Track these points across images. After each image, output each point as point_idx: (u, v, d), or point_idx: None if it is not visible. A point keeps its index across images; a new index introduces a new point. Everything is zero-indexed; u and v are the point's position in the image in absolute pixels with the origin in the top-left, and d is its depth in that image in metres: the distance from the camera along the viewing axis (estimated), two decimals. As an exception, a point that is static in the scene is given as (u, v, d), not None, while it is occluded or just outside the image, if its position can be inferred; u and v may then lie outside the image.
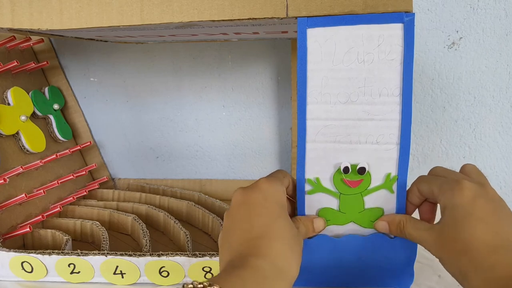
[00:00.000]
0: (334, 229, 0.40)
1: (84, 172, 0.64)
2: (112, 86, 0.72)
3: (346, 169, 0.38)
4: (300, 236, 0.35)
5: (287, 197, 0.38)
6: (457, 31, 0.62)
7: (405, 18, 0.35)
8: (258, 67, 0.69)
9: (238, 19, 0.36)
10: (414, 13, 0.35)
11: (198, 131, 0.73)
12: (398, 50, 0.36)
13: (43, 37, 0.62)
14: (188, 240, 0.48)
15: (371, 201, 0.39)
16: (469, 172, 0.37)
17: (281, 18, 0.36)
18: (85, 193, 0.62)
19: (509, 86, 0.64)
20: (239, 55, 0.69)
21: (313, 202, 0.39)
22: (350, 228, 0.40)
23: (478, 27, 0.62)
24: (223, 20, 0.36)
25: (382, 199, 0.39)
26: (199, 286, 0.25)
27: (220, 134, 0.73)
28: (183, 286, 0.26)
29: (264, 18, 0.36)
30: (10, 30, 0.40)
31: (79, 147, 0.66)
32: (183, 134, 0.73)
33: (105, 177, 0.69)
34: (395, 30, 0.35)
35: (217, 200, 0.61)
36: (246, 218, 0.33)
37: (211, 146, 0.73)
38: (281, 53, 0.69)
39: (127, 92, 0.72)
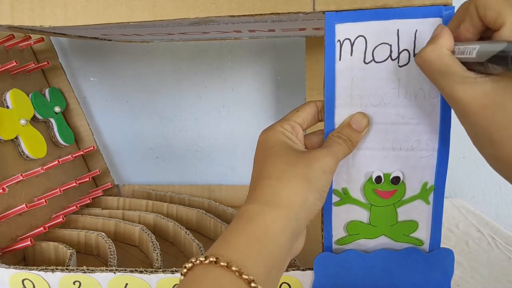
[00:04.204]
0: (364, 243, 0.36)
1: (87, 179, 0.61)
2: (112, 86, 0.72)
3: (378, 179, 0.35)
4: (304, 167, 0.30)
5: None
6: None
7: (444, 11, 0.32)
8: (258, 67, 0.69)
9: (260, 14, 0.33)
10: (453, 6, 0.32)
11: (198, 131, 0.73)
12: (436, 47, 0.32)
13: (43, 36, 0.59)
14: (202, 254, 0.44)
15: (404, 213, 0.36)
16: None
17: (307, 13, 0.33)
18: (88, 201, 0.59)
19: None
20: (239, 55, 0.69)
21: (341, 214, 0.36)
22: (381, 242, 0.36)
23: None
24: (243, 16, 0.33)
25: (416, 211, 0.35)
26: (196, 262, 0.26)
27: (220, 134, 0.73)
28: (185, 267, 0.26)
29: (289, 13, 0.33)
30: (10, 27, 0.37)
31: (82, 152, 0.62)
32: (183, 134, 0.73)
33: (109, 183, 0.66)
34: (433, 25, 0.32)
35: (229, 207, 0.58)
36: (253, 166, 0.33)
37: (211, 146, 0.73)
38: (280, 53, 0.69)
39: (127, 92, 0.72)
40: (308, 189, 0.29)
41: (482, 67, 0.25)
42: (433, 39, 0.28)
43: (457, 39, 0.28)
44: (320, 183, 0.30)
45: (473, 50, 0.26)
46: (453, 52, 0.27)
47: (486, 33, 0.28)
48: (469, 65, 0.27)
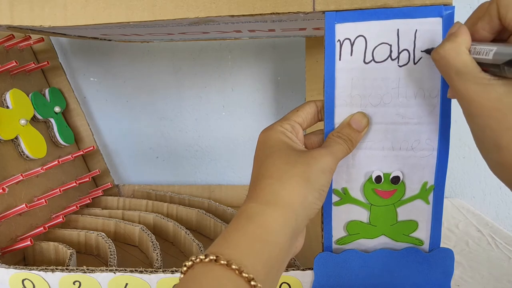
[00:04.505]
0: (364, 243, 0.36)
1: (87, 179, 0.61)
2: (112, 86, 0.72)
3: (378, 179, 0.35)
4: (304, 167, 0.30)
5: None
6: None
7: (444, 11, 0.32)
8: (258, 67, 0.69)
9: (260, 14, 0.33)
10: (454, 6, 0.32)
11: (198, 131, 0.73)
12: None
13: (43, 36, 0.59)
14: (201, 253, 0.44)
15: (404, 213, 0.36)
16: None
17: (307, 13, 0.33)
18: (88, 201, 0.59)
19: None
20: (239, 55, 0.69)
21: (341, 214, 0.36)
22: (381, 242, 0.36)
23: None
24: (243, 16, 0.33)
25: (416, 211, 0.35)
26: (196, 260, 0.26)
27: (220, 134, 0.72)
28: (185, 265, 0.26)
29: (289, 13, 0.33)
30: (9, 27, 0.37)
31: (82, 152, 0.62)
32: (183, 134, 0.73)
33: (109, 183, 0.66)
34: (433, 24, 0.32)
35: (229, 207, 0.58)
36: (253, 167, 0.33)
37: (211, 146, 0.73)
38: (281, 53, 0.68)
39: (127, 92, 0.72)
40: (308, 188, 0.29)
41: (497, 69, 0.25)
42: (452, 36, 0.28)
43: (472, 37, 0.28)
44: (320, 183, 0.30)
45: (490, 51, 0.26)
46: (469, 51, 0.27)
47: (501, 35, 0.28)
48: (483, 66, 0.26)
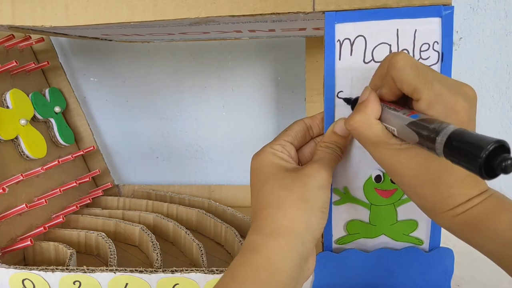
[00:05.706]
0: (364, 243, 0.36)
1: (87, 179, 0.61)
2: (112, 86, 0.72)
3: (378, 178, 0.35)
4: (300, 187, 0.30)
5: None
6: (457, 31, 0.62)
7: (444, 11, 0.32)
8: (258, 67, 0.69)
9: (260, 14, 0.33)
10: (453, 6, 0.32)
11: (198, 131, 0.73)
12: (435, 46, 0.33)
13: (43, 36, 0.59)
14: (202, 254, 0.44)
15: (404, 212, 0.36)
16: None
17: (307, 13, 0.33)
18: (88, 201, 0.59)
19: (509, 86, 0.64)
20: (239, 55, 0.69)
21: (341, 214, 0.36)
22: (381, 241, 0.36)
23: (478, 27, 0.62)
24: (243, 16, 0.33)
25: (416, 210, 0.35)
26: None
27: (220, 134, 0.72)
28: None
29: (289, 13, 0.33)
30: (11, 27, 0.37)
31: (82, 152, 0.62)
32: (183, 134, 0.73)
33: (109, 183, 0.66)
34: (432, 24, 0.32)
35: (229, 207, 0.58)
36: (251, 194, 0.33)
37: (211, 146, 0.73)
38: (281, 53, 0.68)
39: (127, 92, 0.72)
40: (309, 210, 0.29)
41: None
42: (361, 106, 0.29)
43: (381, 99, 0.29)
44: (319, 201, 0.29)
45: (393, 130, 0.27)
46: (380, 117, 0.29)
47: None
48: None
